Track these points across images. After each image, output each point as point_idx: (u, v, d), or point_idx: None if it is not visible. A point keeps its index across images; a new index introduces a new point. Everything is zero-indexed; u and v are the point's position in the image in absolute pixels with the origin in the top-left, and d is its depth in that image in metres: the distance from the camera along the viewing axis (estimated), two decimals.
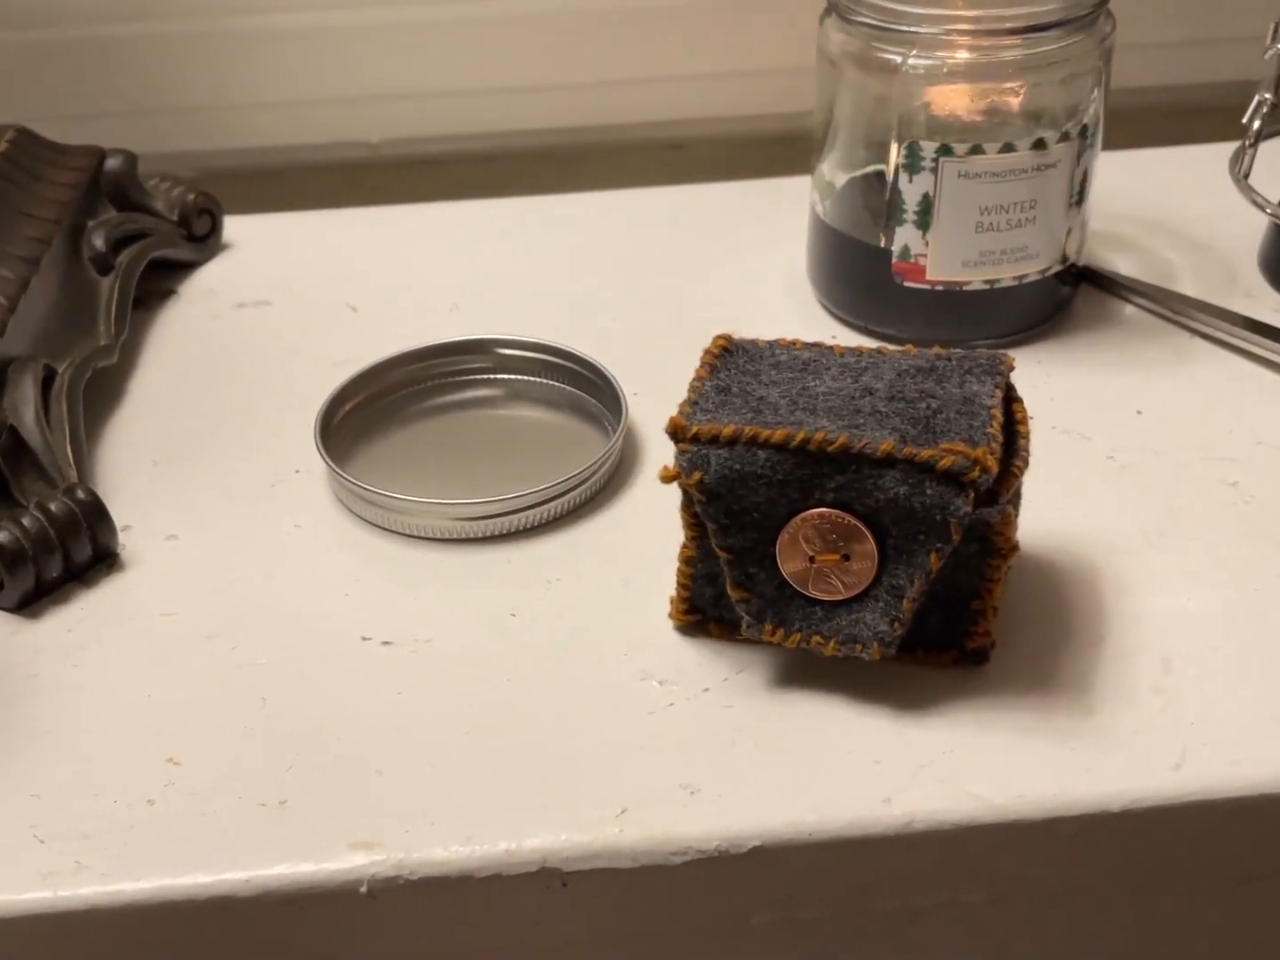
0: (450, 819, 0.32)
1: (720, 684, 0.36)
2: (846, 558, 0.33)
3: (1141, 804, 0.32)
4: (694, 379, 0.35)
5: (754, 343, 0.37)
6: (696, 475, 0.33)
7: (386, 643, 0.38)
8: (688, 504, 0.35)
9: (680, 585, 0.37)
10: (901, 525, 0.33)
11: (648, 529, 0.41)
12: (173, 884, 0.31)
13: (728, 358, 0.36)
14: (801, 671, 0.36)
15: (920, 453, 0.32)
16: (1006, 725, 0.34)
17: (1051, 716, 0.34)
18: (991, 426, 0.33)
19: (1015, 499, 0.35)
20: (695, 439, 0.33)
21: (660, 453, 0.44)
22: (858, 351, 0.36)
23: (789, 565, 0.34)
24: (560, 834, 0.32)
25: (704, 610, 0.37)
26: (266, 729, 0.35)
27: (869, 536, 0.33)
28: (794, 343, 0.37)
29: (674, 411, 0.34)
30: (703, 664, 0.36)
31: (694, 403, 0.34)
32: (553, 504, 0.42)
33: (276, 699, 0.36)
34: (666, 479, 0.34)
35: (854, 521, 0.33)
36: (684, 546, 0.36)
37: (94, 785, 0.34)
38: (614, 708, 0.35)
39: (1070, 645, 0.36)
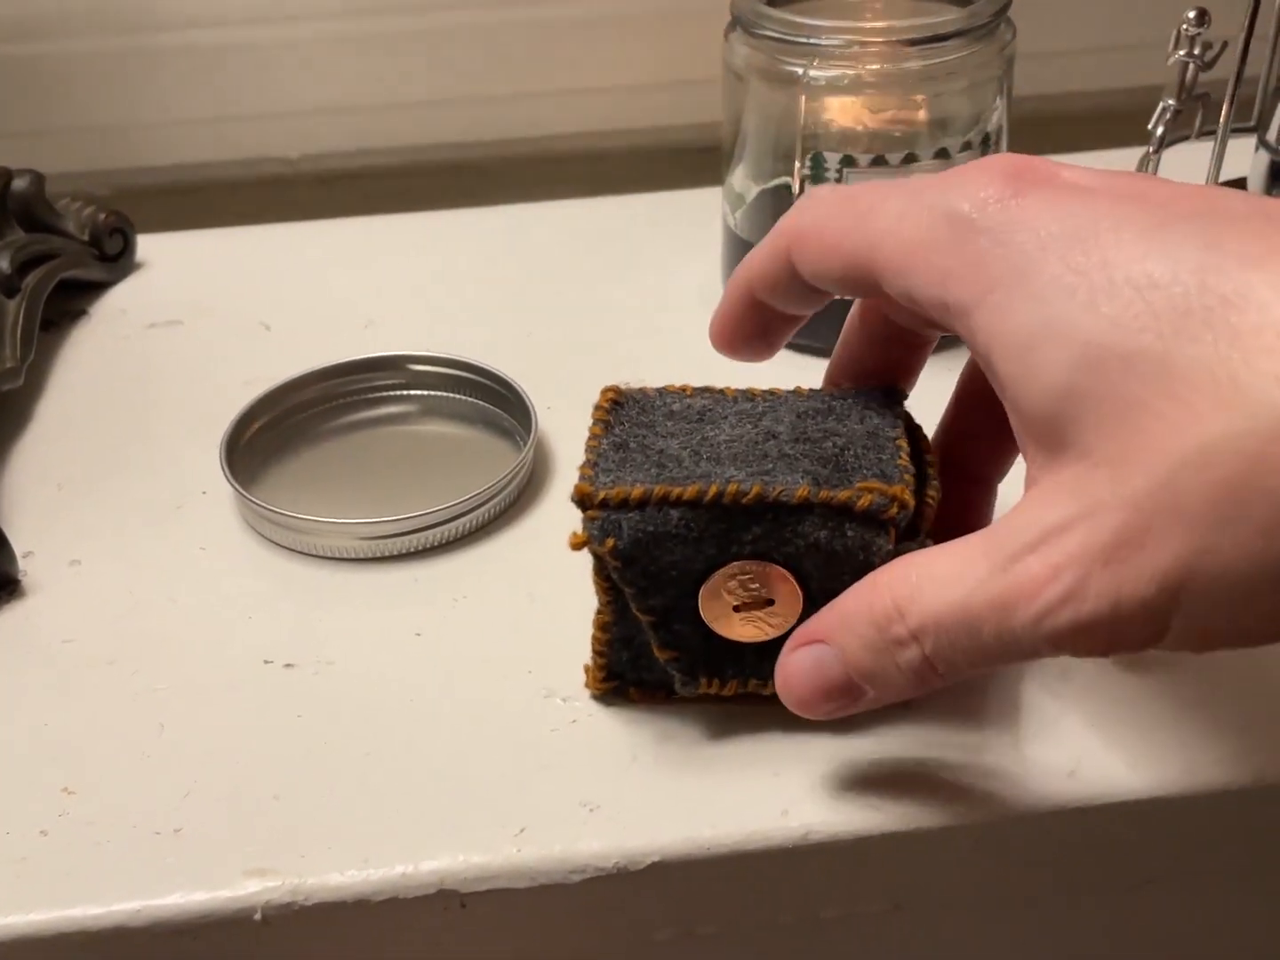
0: (347, 843, 0.32)
1: (624, 698, 0.36)
2: (770, 601, 0.32)
3: (1037, 810, 0.32)
4: (589, 438, 0.34)
5: (643, 392, 0.36)
6: (609, 542, 0.32)
7: (289, 665, 0.37)
8: (600, 569, 0.33)
9: (596, 653, 0.35)
10: (824, 569, 0.32)
11: (557, 544, 0.41)
12: (64, 916, 0.31)
13: (619, 411, 0.35)
14: None
15: (837, 494, 0.31)
16: (904, 733, 0.34)
17: (948, 724, 0.34)
18: (901, 458, 0.32)
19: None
20: (604, 504, 0.32)
21: (571, 469, 0.44)
22: (750, 395, 0.35)
23: (713, 617, 0.33)
24: (458, 855, 0.32)
25: (622, 675, 0.35)
26: (163, 756, 0.35)
27: (791, 578, 0.32)
28: (683, 389, 0.36)
29: (584, 428, 0.34)
30: None
31: (594, 464, 0.33)
32: (460, 521, 0.41)
33: (175, 725, 0.36)
34: (576, 546, 0.32)
35: (774, 568, 0.32)
36: (599, 613, 0.34)
37: None
38: (517, 725, 0.35)
39: None
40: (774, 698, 0.34)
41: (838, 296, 0.33)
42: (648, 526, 0.32)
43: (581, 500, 0.32)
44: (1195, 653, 0.26)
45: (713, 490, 0.31)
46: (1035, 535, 0.26)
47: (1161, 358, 0.24)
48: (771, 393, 0.36)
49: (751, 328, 0.35)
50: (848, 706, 0.30)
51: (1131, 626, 0.25)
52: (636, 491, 0.31)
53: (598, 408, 0.35)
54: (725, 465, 0.32)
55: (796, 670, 0.31)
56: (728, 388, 0.36)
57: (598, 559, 0.33)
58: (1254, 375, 0.23)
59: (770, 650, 0.33)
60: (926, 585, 0.28)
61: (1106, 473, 0.25)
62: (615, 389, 0.36)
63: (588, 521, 0.32)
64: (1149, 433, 0.24)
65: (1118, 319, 0.25)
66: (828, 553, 0.31)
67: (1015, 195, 0.27)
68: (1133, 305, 0.25)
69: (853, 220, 0.31)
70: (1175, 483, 0.24)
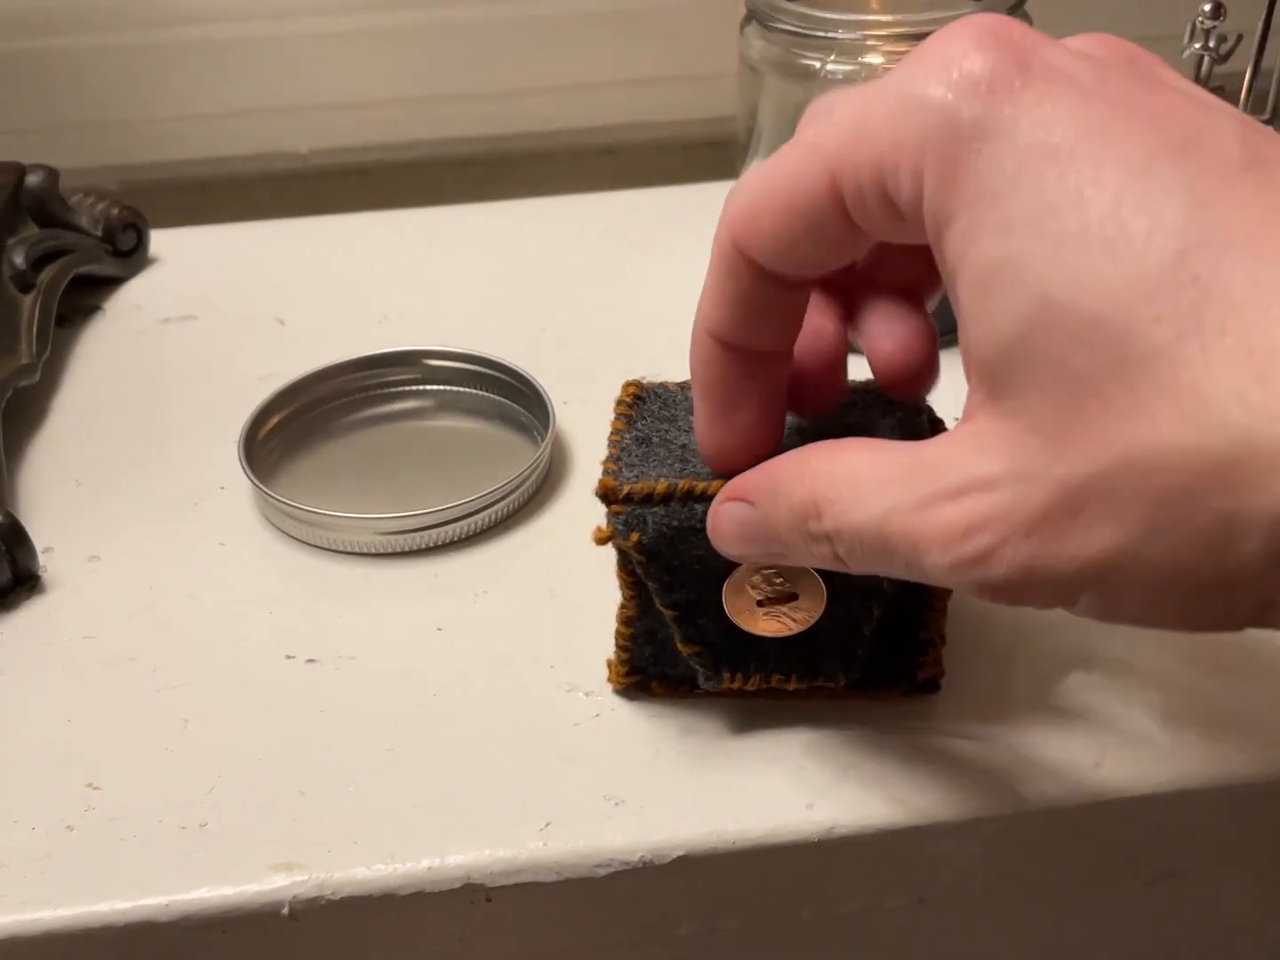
0: (372, 837, 0.32)
1: (646, 693, 0.36)
2: (794, 596, 0.32)
3: (1063, 803, 0.32)
4: (611, 433, 0.34)
5: (664, 386, 0.36)
6: (634, 536, 0.32)
7: (311, 660, 0.37)
8: (624, 564, 0.33)
9: (620, 647, 0.35)
10: None
11: (576, 538, 0.41)
12: (91, 910, 0.31)
13: (641, 405, 0.35)
14: None
15: None
16: (928, 727, 0.34)
17: (972, 717, 0.34)
18: None
19: None
20: (629, 499, 0.32)
21: (589, 463, 0.44)
22: None
23: (736, 611, 0.32)
24: (484, 849, 0.32)
25: (645, 669, 0.35)
26: (187, 751, 0.35)
27: (814, 572, 0.32)
28: None
29: (601, 422, 0.34)
30: None
31: (617, 458, 0.33)
32: (479, 516, 0.41)
33: (198, 720, 0.36)
34: (600, 541, 0.32)
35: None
36: (622, 607, 0.34)
37: (12, 812, 0.33)
38: (540, 720, 0.35)
39: (991, 643, 0.36)
40: (798, 692, 0.34)
41: (809, 283, 0.29)
42: (672, 521, 0.31)
43: (605, 495, 0.32)
44: (1099, 622, 0.25)
45: None
46: (960, 481, 0.24)
47: (1120, 336, 0.22)
48: None
49: (737, 393, 0.30)
50: (771, 560, 0.31)
51: (1039, 595, 0.24)
52: (661, 486, 0.31)
53: (619, 402, 0.35)
54: None
55: (725, 521, 0.30)
56: None
57: (621, 553, 0.33)
58: (1215, 387, 0.21)
59: (794, 645, 0.33)
60: (846, 491, 0.27)
61: (1042, 443, 0.23)
62: (637, 383, 0.36)
63: (612, 516, 0.32)
64: (1093, 416, 0.22)
65: (1081, 275, 0.22)
66: None
67: (996, 88, 0.24)
68: (1099, 261, 0.22)
69: (802, 149, 0.27)
70: (1114, 478, 0.22)
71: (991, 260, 0.24)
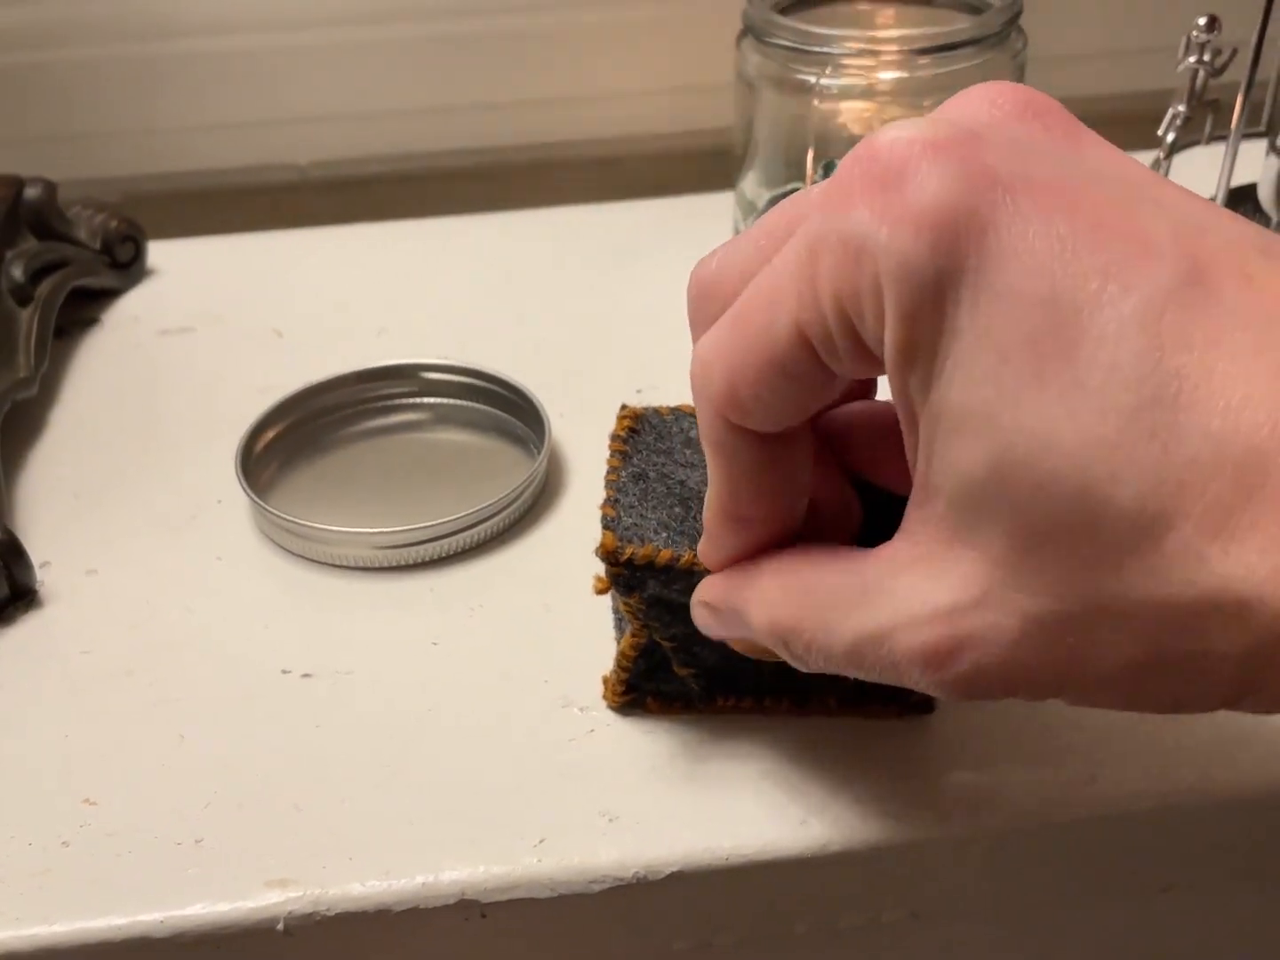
0: (368, 853, 0.32)
1: (641, 709, 0.36)
2: None
3: (1057, 818, 0.32)
4: (608, 471, 0.34)
5: (658, 414, 0.36)
6: (635, 595, 0.32)
7: (306, 675, 0.37)
8: (627, 602, 0.33)
9: (621, 667, 0.35)
10: None
11: (571, 553, 0.41)
12: (87, 927, 0.31)
13: (636, 439, 0.35)
14: None
15: None
16: (922, 742, 0.34)
17: (967, 732, 0.34)
18: None
19: None
20: (630, 563, 0.32)
21: (585, 476, 0.44)
22: None
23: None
24: (479, 865, 0.32)
25: (639, 686, 0.35)
26: (184, 766, 0.35)
27: None
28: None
29: (597, 435, 0.34)
30: None
31: (615, 500, 0.33)
32: (476, 530, 0.42)
33: (194, 735, 0.36)
34: (601, 591, 0.33)
35: None
36: (634, 634, 0.34)
37: (8, 828, 0.33)
38: (535, 735, 0.35)
39: None
40: (793, 710, 0.34)
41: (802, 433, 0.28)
42: (674, 584, 0.32)
43: (607, 557, 0.32)
44: None
45: None
46: (926, 611, 0.25)
47: (1080, 493, 0.22)
48: None
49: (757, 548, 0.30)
50: None
51: (1025, 697, 0.25)
52: (663, 556, 0.31)
53: (615, 437, 0.35)
54: None
55: (701, 619, 0.31)
56: None
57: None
58: (1178, 546, 0.21)
59: (789, 668, 0.33)
60: (808, 621, 0.27)
61: (1005, 576, 0.23)
62: (632, 414, 0.35)
63: (612, 574, 0.32)
64: (1058, 560, 0.22)
65: (1040, 431, 0.22)
66: None
67: (942, 225, 0.23)
68: (1057, 417, 0.22)
69: (761, 306, 0.26)
70: (1080, 618, 0.23)
71: (953, 406, 0.23)
